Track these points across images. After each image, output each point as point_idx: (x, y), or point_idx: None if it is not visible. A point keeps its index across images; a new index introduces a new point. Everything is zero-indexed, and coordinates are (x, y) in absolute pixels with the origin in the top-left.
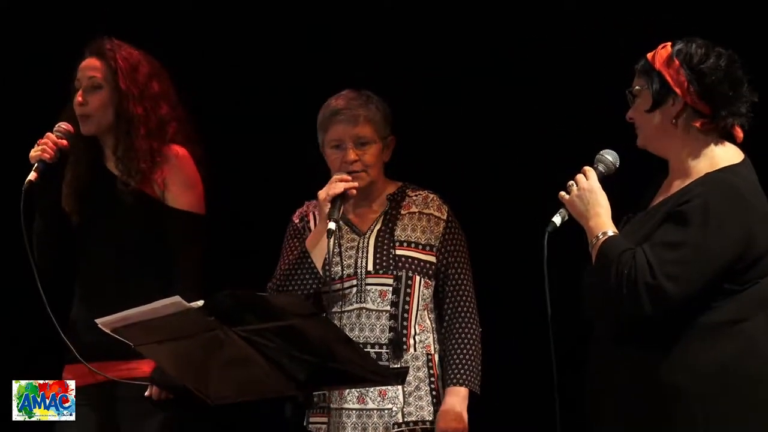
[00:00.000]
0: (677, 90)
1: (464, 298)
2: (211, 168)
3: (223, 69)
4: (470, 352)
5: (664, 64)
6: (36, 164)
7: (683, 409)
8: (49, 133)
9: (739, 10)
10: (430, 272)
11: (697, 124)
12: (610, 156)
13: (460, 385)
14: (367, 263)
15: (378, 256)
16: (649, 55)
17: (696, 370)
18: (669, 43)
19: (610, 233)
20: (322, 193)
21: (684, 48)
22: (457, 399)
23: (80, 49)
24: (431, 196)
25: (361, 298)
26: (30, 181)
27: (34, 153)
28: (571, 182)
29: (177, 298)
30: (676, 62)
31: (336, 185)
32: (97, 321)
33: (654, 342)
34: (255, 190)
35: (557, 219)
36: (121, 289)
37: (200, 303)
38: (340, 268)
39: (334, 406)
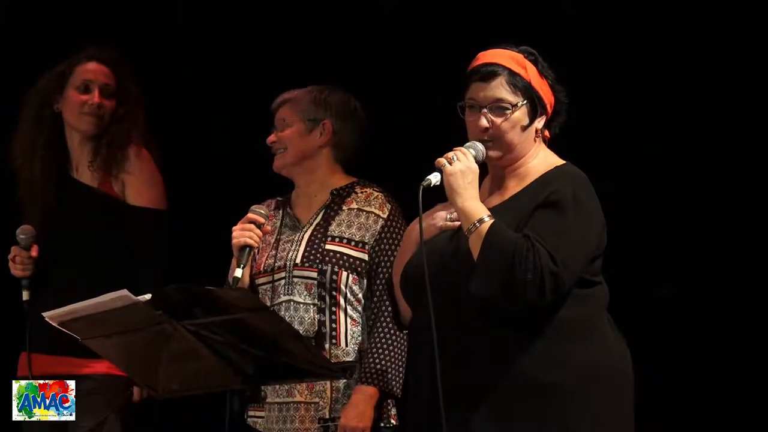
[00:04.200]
0: (548, 107)
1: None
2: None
3: (223, 69)
4: (385, 352)
5: (537, 81)
6: (23, 282)
7: (558, 405)
8: (18, 250)
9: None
10: (359, 269)
11: (546, 133)
12: (480, 145)
13: (368, 384)
14: (296, 256)
15: (308, 249)
16: (518, 71)
17: (569, 367)
18: (521, 55)
19: (492, 219)
20: (233, 240)
21: (542, 63)
22: (362, 397)
23: (78, 52)
24: (376, 193)
25: (288, 291)
26: (26, 301)
27: (15, 272)
28: (453, 154)
29: (124, 292)
30: (545, 80)
31: (237, 239)
32: (44, 314)
33: (526, 334)
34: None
35: (434, 179)
36: (86, 289)
37: (147, 296)
38: (273, 260)
39: (268, 400)
